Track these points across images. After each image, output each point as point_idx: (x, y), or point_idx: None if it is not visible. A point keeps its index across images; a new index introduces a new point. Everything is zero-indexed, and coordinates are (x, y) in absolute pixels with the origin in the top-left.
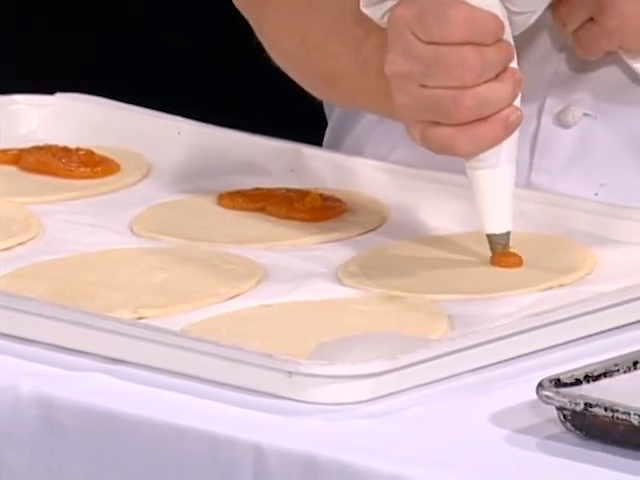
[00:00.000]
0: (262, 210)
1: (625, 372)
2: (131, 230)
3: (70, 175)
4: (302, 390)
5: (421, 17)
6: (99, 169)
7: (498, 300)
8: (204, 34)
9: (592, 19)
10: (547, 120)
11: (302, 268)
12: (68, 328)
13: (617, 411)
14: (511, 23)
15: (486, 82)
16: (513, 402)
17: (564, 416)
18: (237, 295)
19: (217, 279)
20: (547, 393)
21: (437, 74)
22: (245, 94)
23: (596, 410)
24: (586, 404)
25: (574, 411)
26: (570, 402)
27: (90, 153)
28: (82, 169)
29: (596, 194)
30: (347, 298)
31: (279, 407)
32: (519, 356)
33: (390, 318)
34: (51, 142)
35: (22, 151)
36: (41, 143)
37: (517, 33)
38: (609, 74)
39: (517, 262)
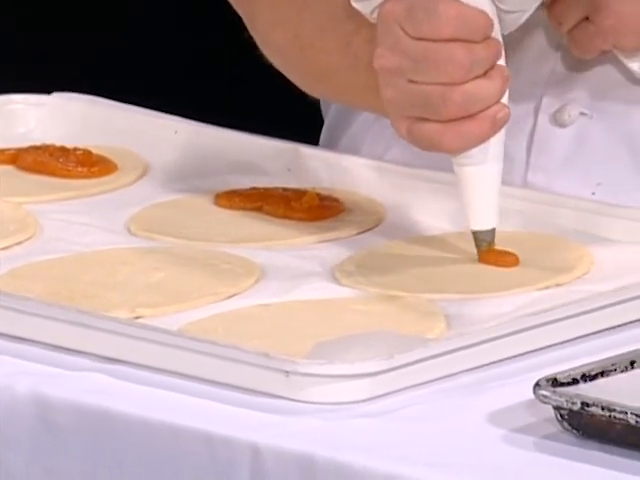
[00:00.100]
0: (259, 210)
1: (622, 371)
2: (128, 230)
3: (67, 175)
4: (299, 390)
5: (411, 13)
6: (96, 169)
7: (495, 299)
8: (201, 34)
9: (587, 18)
10: (544, 119)
11: (299, 268)
12: (65, 328)
13: (614, 410)
14: (501, 22)
15: (475, 79)
16: (510, 401)
17: (561, 415)
18: (234, 295)
19: (214, 279)
20: (544, 392)
21: (426, 70)
22: (242, 94)
23: (593, 409)
24: (583, 403)
25: (571, 410)
26: (567, 401)
27: (87, 153)
28: (79, 169)
29: (593, 193)
30: (344, 298)
31: (276, 406)
32: (516, 355)
33: (387, 317)
34: (48, 142)
35: (19, 151)
36: (38, 143)
37: (507, 32)
38: (605, 73)
39: (514, 261)
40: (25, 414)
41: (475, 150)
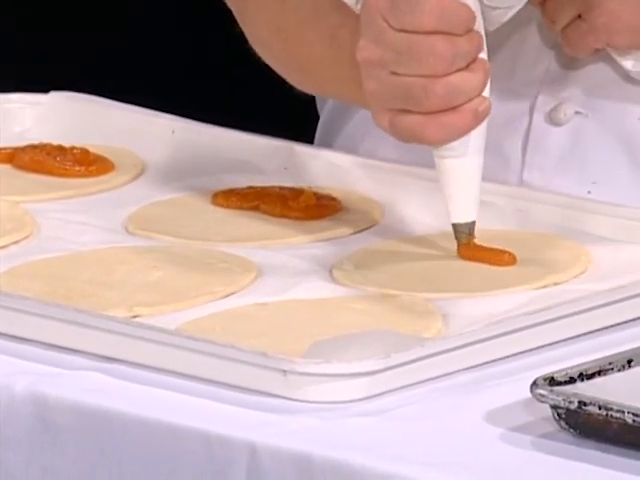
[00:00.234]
0: (256, 209)
1: (619, 370)
2: (126, 229)
3: (65, 174)
4: (297, 389)
5: (394, 5)
6: (94, 168)
7: (492, 298)
8: (198, 34)
9: (580, 16)
10: (539, 118)
11: (296, 267)
12: (63, 327)
13: (611, 409)
14: (486, 18)
15: (457, 71)
16: (507, 400)
17: (558, 414)
18: (232, 293)
19: (212, 277)
20: (541, 391)
21: (408, 62)
22: (239, 93)
23: (590, 408)
24: (580, 402)
25: (568, 409)
26: (564, 400)
27: (85, 152)
28: (77, 168)
29: (589, 192)
30: (341, 297)
31: (274, 406)
32: (513, 354)
33: (384, 317)
34: (45, 141)
35: (16, 150)
36: (35, 142)
37: (492, 29)
38: (599, 71)
39: (511, 260)
40: (23, 413)
41: (456, 143)
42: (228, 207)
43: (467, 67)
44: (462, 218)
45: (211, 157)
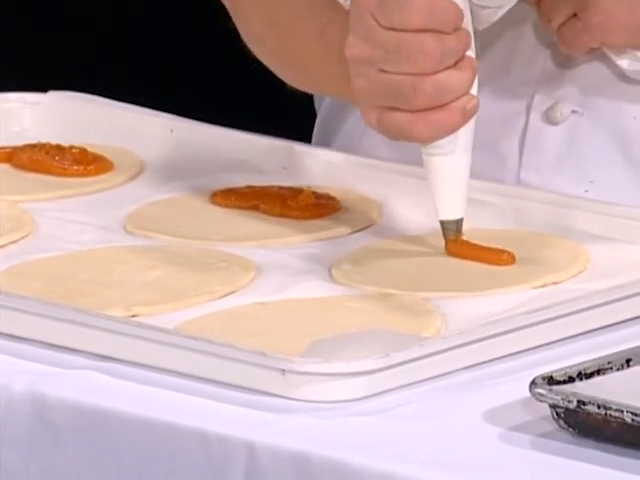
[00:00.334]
0: (255, 208)
1: (618, 370)
2: (124, 228)
3: (63, 173)
4: (295, 388)
5: (383, 3)
6: (92, 167)
7: (491, 298)
8: (196, 33)
9: (575, 15)
10: (535, 117)
11: (295, 266)
12: (61, 326)
13: (610, 409)
14: (476, 17)
15: (445, 69)
16: (506, 400)
17: (557, 414)
18: (230, 293)
19: (210, 277)
20: (540, 391)
21: (397, 60)
22: (238, 92)
23: (589, 408)
24: (579, 402)
25: (567, 409)
26: (563, 400)
27: (83, 151)
28: (75, 167)
29: (586, 191)
30: (340, 296)
31: (272, 405)
32: (512, 354)
33: (383, 316)
34: (44, 140)
35: (15, 149)
36: (34, 141)
37: (482, 28)
38: (595, 71)
39: (509, 260)
40: (22, 413)
41: (445, 140)
42: (227, 206)
43: (455, 65)
44: (450, 215)
45: (210, 157)
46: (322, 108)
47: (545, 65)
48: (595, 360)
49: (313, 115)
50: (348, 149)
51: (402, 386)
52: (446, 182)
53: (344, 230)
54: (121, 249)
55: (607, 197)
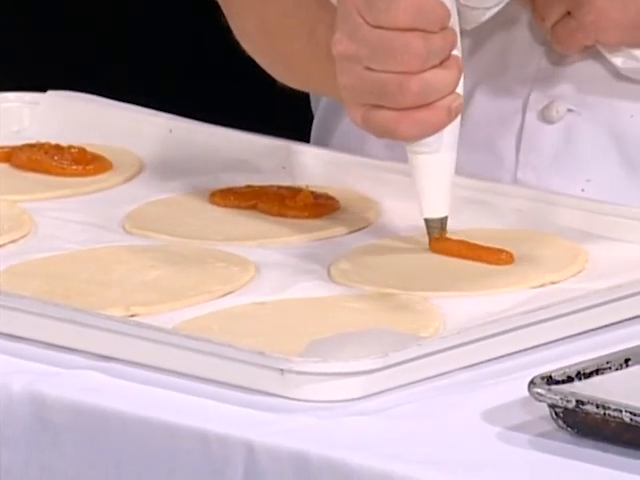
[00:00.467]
0: (254, 208)
1: (617, 369)
2: (123, 228)
3: (62, 173)
4: (294, 387)
5: (370, 1)
6: (91, 167)
7: (490, 297)
8: (196, 33)
9: (569, 14)
10: (531, 116)
11: (294, 266)
12: (60, 326)
13: (609, 408)
14: (464, 17)
15: (431, 69)
16: (505, 399)
17: (556, 413)
18: (229, 293)
19: (209, 277)
20: (539, 390)
21: (383, 58)
22: (237, 92)
23: (588, 407)
24: (578, 401)
25: (566, 408)
26: (562, 399)
27: (82, 151)
28: (74, 167)
29: (582, 190)
30: (339, 296)
31: (271, 404)
32: (511, 353)
33: (382, 315)
34: (43, 140)
35: (14, 149)
36: (33, 141)
37: (470, 27)
38: (591, 69)
39: (508, 259)
40: (21, 413)
41: (430, 139)
42: (226, 206)
43: (441, 64)
44: (435, 213)
45: (209, 156)
46: (319, 109)
47: (540, 64)
48: (594, 360)
49: (312, 115)
50: (345, 149)
51: (401, 386)
52: (431, 180)
53: (343, 230)
54: (120, 249)
55: (604, 195)
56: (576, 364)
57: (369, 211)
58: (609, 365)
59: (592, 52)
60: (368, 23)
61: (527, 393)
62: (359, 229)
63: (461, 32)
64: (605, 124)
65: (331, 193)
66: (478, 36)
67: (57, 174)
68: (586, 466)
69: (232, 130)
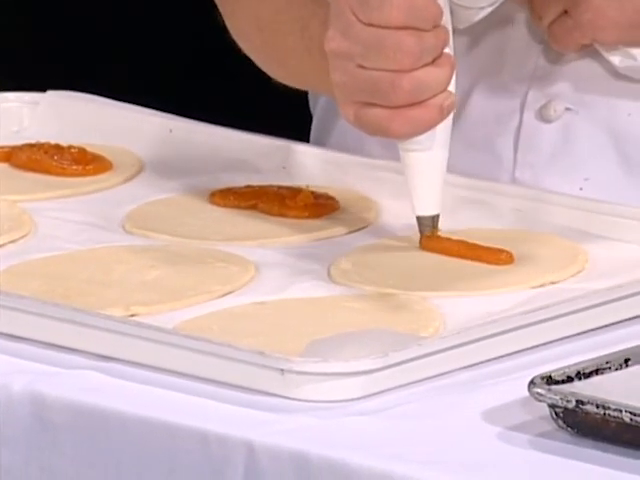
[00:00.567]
0: (254, 208)
1: (617, 369)
2: (123, 228)
3: (62, 173)
4: (294, 387)
5: None
6: (91, 167)
7: (489, 297)
8: (196, 34)
9: (566, 12)
10: (529, 115)
11: (294, 266)
12: (60, 326)
13: (609, 408)
14: (457, 17)
15: (423, 67)
16: (505, 399)
17: (556, 413)
18: (229, 293)
19: (209, 277)
20: (539, 390)
21: (375, 56)
22: (237, 92)
23: (588, 407)
24: (578, 401)
25: (566, 408)
26: (562, 399)
27: (82, 151)
28: (74, 167)
29: (581, 189)
30: (339, 296)
31: (271, 404)
32: (510, 353)
33: (382, 315)
34: (43, 140)
35: (14, 149)
36: (33, 141)
37: (463, 27)
38: (588, 68)
39: (508, 259)
40: (21, 413)
41: (423, 136)
42: (226, 206)
43: (433, 62)
44: (427, 211)
45: (209, 156)
46: (317, 109)
47: (537, 62)
48: (594, 360)
49: (312, 115)
50: (343, 149)
51: (401, 386)
52: (423, 178)
53: (343, 230)
54: (120, 249)
55: (602, 194)
56: (576, 364)
57: (369, 211)
58: (609, 365)
59: (589, 51)
60: (361, 21)
61: (527, 393)
62: (359, 229)
63: (454, 30)
64: (603, 123)
65: (331, 193)
66: (475, 35)
67: (57, 174)
68: (586, 466)
69: (232, 130)
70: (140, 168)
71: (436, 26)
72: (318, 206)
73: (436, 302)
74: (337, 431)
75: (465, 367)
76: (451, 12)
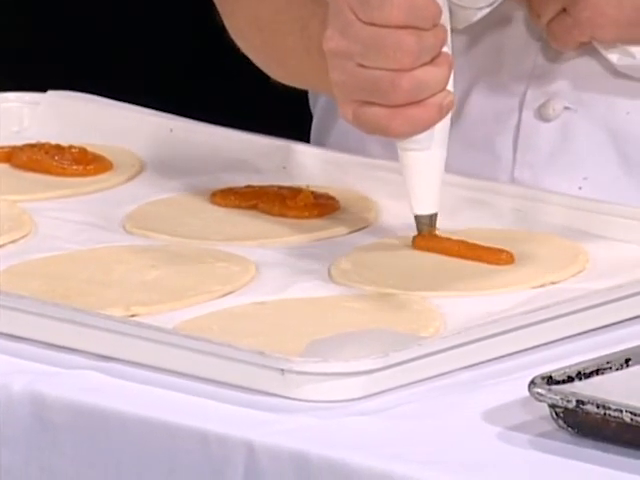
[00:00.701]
0: (254, 208)
1: (617, 369)
2: (124, 228)
3: (63, 173)
4: (294, 387)
5: None
6: (92, 167)
7: (490, 297)
8: (196, 33)
9: (565, 10)
10: (528, 114)
11: (294, 266)
12: (60, 326)
13: (609, 408)
14: (455, 17)
15: (422, 66)
16: (505, 399)
17: (556, 413)
18: (229, 293)
19: (210, 277)
20: (539, 390)
21: (375, 55)
22: (237, 92)
23: (588, 407)
24: (578, 401)
25: (566, 408)
26: (562, 399)
27: (83, 151)
28: (75, 167)
29: (580, 187)
30: (339, 296)
31: (271, 405)
32: (511, 353)
33: (382, 315)
34: (43, 140)
35: (14, 149)
36: (33, 141)
37: (461, 27)
38: (587, 66)
39: (508, 259)
40: (21, 413)
41: (421, 136)
42: (226, 206)
43: (432, 61)
44: (425, 210)
45: (209, 156)
46: (317, 108)
47: (536, 61)
48: (594, 360)
49: (312, 115)
50: (344, 149)
51: (401, 386)
52: (421, 177)
53: (343, 230)
54: (120, 249)
55: (601, 193)
56: (576, 364)
57: (369, 211)
58: (609, 365)
59: (588, 49)
60: (360, 20)
61: (527, 393)
62: (359, 229)
63: (453, 30)
64: (602, 121)
65: (331, 193)
66: (473, 34)
67: (57, 174)
68: (586, 466)
69: (232, 130)
70: (140, 168)
71: (435, 25)
72: (318, 206)
73: (436, 302)
74: (337, 431)
75: (465, 367)
76: (450, 12)
